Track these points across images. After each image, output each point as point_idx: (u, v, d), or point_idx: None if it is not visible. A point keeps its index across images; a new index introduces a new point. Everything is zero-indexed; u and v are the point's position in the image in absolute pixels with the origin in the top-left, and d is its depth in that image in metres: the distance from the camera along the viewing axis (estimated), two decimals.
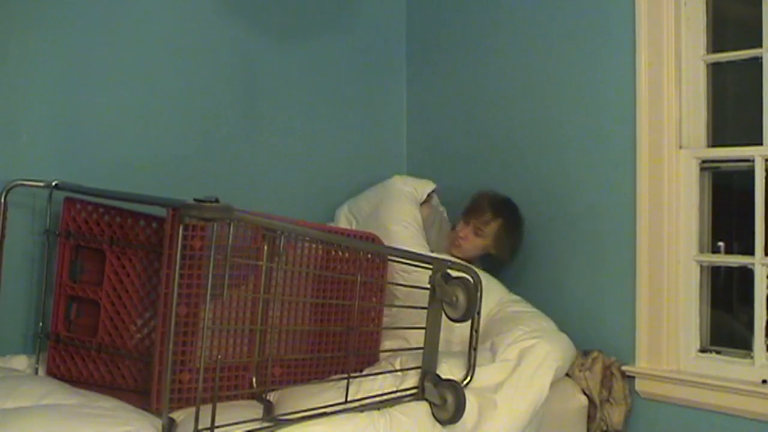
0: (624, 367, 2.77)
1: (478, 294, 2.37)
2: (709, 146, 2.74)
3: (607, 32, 2.89)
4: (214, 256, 1.95)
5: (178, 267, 2.05)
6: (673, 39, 2.71)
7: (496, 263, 3.13)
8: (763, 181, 2.56)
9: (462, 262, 2.76)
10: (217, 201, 1.94)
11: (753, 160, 2.59)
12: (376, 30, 3.59)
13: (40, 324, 2.63)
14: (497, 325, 2.73)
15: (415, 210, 3.12)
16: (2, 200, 2.56)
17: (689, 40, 2.72)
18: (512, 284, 3.01)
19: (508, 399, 2.45)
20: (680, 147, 2.73)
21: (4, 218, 2.56)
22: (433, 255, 2.76)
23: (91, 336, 2.51)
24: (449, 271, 2.40)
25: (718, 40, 2.74)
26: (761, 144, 2.57)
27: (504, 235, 3.07)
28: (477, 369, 2.46)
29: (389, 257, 2.66)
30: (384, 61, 3.62)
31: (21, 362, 2.60)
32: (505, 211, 3.08)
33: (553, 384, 2.55)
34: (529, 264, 3.10)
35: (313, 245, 2.50)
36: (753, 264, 2.58)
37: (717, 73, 2.75)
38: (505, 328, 2.68)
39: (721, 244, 2.76)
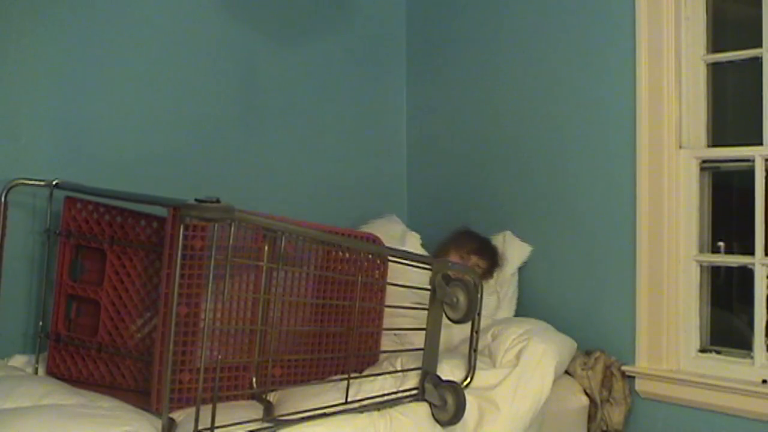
0: (624, 367, 2.77)
1: (479, 295, 2.37)
2: (709, 146, 2.74)
3: (607, 32, 2.88)
4: (214, 256, 1.95)
5: (178, 267, 2.05)
6: (673, 39, 2.71)
7: None
8: (763, 181, 2.56)
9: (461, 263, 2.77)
10: (218, 201, 1.94)
11: (753, 160, 2.59)
12: (376, 30, 3.59)
13: (40, 323, 2.63)
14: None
15: None
16: (2, 199, 2.56)
17: (689, 40, 2.72)
18: None
19: (509, 400, 2.46)
20: (680, 147, 2.72)
21: (5, 217, 2.55)
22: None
23: (92, 336, 2.51)
24: (449, 272, 2.40)
25: (718, 40, 2.73)
26: (761, 144, 2.57)
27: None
28: (477, 372, 2.47)
29: (390, 258, 2.66)
30: (384, 61, 3.62)
31: (21, 361, 2.60)
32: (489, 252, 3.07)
33: (554, 383, 2.56)
34: (529, 264, 3.10)
35: (313, 245, 2.50)
36: (753, 264, 2.58)
37: (717, 73, 2.75)
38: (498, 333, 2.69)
39: (721, 244, 2.76)
